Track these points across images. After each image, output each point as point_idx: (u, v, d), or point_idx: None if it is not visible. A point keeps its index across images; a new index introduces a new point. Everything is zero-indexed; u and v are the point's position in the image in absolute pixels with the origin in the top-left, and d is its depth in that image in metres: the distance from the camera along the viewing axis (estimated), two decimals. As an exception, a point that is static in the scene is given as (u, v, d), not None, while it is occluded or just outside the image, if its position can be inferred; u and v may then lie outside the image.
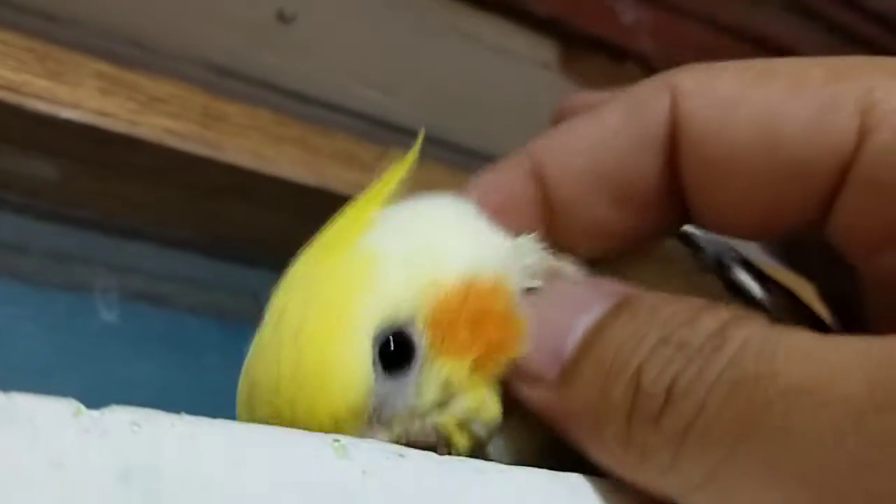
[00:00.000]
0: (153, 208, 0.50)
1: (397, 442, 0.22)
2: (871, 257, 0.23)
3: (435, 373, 0.22)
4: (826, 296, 0.29)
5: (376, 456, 0.19)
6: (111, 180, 0.47)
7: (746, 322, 0.21)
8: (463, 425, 0.22)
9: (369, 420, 0.21)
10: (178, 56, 0.49)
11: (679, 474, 0.20)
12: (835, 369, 0.18)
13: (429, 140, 0.25)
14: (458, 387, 0.22)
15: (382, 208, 0.23)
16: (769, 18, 0.62)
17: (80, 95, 0.42)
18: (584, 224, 0.25)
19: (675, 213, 0.25)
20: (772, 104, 0.23)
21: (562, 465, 0.22)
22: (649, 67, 0.58)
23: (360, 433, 0.21)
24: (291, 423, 0.21)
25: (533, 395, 0.23)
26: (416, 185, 0.24)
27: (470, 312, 0.22)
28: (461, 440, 0.22)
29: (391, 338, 0.22)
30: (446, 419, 0.22)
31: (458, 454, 0.22)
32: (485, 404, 0.23)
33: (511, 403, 0.23)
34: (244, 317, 0.54)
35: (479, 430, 0.23)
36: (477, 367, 0.22)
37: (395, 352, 0.22)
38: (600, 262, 0.25)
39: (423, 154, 0.25)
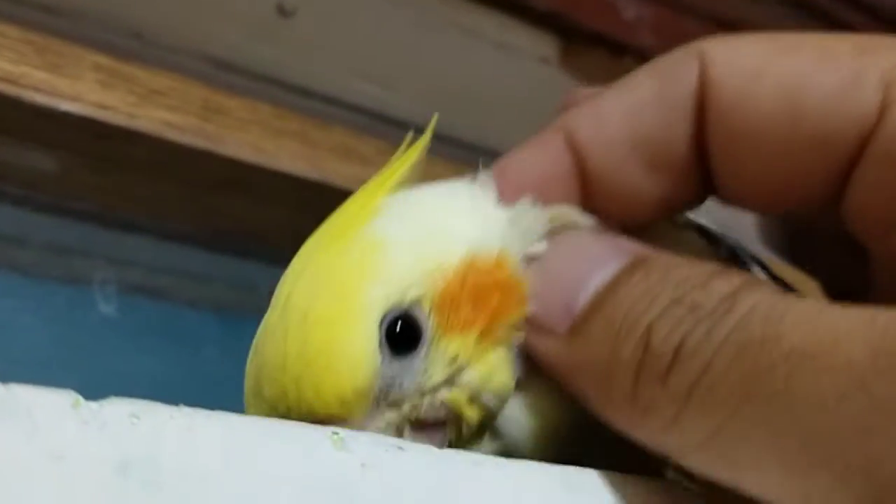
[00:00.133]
0: (152, 201, 0.50)
1: (407, 420, 0.22)
2: (885, 235, 0.23)
3: (441, 351, 0.22)
4: (830, 292, 0.29)
5: (375, 449, 0.19)
6: (110, 173, 0.47)
7: (757, 288, 0.21)
8: (473, 398, 0.23)
9: (375, 401, 0.22)
10: (177, 49, 0.49)
11: (682, 433, 0.20)
12: (839, 335, 0.19)
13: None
14: (466, 360, 0.22)
15: (389, 196, 0.24)
16: (768, 14, 0.62)
17: (79, 88, 0.42)
18: (618, 192, 0.25)
19: (703, 183, 0.25)
20: (797, 75, 0.23)
21: (577, 442, 0.23)
22: (649, 63, 0.57)
23: (366, 414, 0.21)
24: (297, 403, 0.21)
25: (542, 345, 0.23)
26: (416, 180, 0.25)
27: (471, 289, 0.23)
28: (472, 413, 0.23)
29: (398, 321, 0.22)
30: (456, 394, 0.22)
31: (470, 428, 0.23)
32: (495, 369, 0.23)
33: (524, 375, 0.23)
34: (243, 310, 0.55)
35: (490, 401, 0.23)
36: (483, 336, 0.23)
37: (401, 334, 0.22)
38: None
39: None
